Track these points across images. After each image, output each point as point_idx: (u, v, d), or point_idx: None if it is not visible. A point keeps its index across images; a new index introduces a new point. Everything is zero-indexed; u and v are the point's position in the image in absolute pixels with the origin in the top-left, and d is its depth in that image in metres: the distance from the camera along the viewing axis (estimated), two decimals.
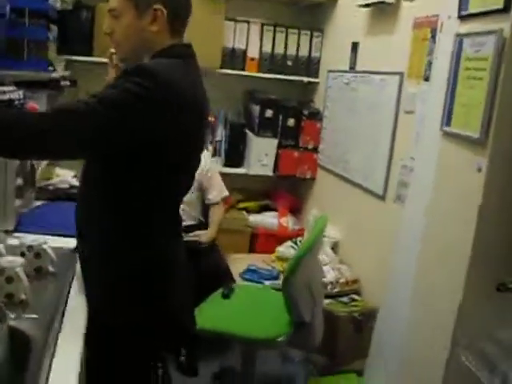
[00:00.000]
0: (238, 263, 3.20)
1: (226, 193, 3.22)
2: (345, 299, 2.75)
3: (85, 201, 1.51)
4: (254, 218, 3.62)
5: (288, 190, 3.80)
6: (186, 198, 1.66)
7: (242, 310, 2.40)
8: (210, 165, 3.16)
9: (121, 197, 1.43)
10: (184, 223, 2.95)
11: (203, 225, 3.17)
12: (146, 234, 1.46)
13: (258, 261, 3.28)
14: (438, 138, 2.11)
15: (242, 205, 3.68)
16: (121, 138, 1.33)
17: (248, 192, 3.74)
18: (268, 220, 3.63)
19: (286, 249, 3.24)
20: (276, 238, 3.48)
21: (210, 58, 3.31)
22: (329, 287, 2.75)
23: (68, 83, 2.88)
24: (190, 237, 2.89)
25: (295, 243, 3.25)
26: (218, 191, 3.18)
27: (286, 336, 2.22)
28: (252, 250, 3.54)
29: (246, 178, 3.55)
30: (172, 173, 1.45)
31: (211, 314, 2.33)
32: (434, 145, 2.15)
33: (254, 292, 2.59)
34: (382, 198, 2.72)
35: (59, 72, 2.65)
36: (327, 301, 2.70)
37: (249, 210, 3.68)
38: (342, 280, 2.81)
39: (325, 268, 2.87)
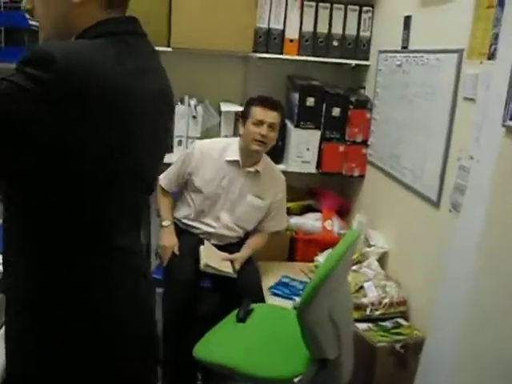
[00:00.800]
0: (273, 273, 2.83)
1: (284, 226, 2.91)
2: (388, 324, 2.30)
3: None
4: (295, 221, 3.21)
5: (334, 189, 3.36)
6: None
7: (256, 339, 2.02)
8: (283, 191, 2.84)
9: (29, 225, 1.09)
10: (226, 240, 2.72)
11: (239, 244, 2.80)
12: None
13: (295, 270, 2.88)
14: (500, 134, 1.62)
15: None
16: (4, 152, 0.98)
17: (289, 191, 3.32)
18: (310, 223, 3.21)
19: (325, 255, 2.81)
20: (318, 243, 3.05)
21: (241, 41, 2.92)
22: (368, 309, 2.32)
23: None
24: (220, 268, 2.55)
25: None
26: (277, 222, 2.84)
27: (306, 375, 1.82)
28: (291, 257, 3.14)
29: (287, 176, 3.13)
30: (97, 193, 1.09)
31: (219, 344, 1.97)
32: (495, 142, 1.66)
33: (275, 315, 2.20)
34: (436, 205, 2.24)
35: None
36: (365, 325, 2.27)
37: (289, 212, 3.26)
38: (386, 300, 2.36)
39: (366, 285, 2.44)
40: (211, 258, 2.52)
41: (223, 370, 1.87)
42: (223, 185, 2.63)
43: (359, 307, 2.31)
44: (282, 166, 3.15)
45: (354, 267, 2.63)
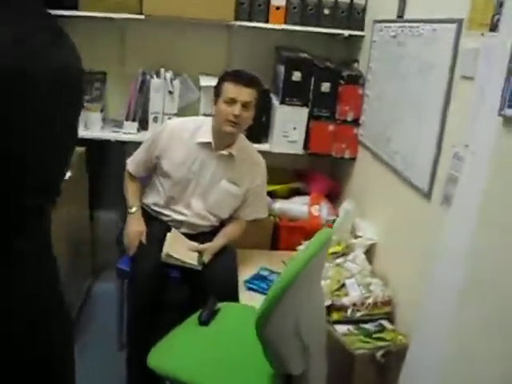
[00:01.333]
0: (252, 264, 2.60)
1: (263, 215, 2.64)
2: (370, 327, 2.08)
3: None
4: (279, 205, 2.97)
5: (323, 171, 3.11)
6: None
7: (218, 346, 1.80)
8: (262, 177, 2.57)
9: None
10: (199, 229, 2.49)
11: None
12: None
13: (277, 260, 2.64)
14: (496, 125, 1.36)
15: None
16: None
17: (275, 172, 3.08)
18: (296, 208, 2.97)
19: None
20: (304, 230, 2.81)
21: (221, 8, 2.65)
22: (350, 310, 2.09)
23: None
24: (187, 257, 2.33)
25: None
26: (253, 210, 2.58)
27: None
28: (274, 245, 2.91)
29: (272, 156, 2.89)
30: None
31: (175, 352, 1.76)
32: (490, 133, 1.40)
33: (244, 317, 1.96)
34: (428, 196, 1.99)
35: None
36: (344, 328, 2.05)
37: (275, 195, 3.03)
38: (369, 300, 2.13)
39: (349, 282, 2.21)
40: (176, 247, 2.29)
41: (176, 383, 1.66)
42: (194, 169, 2.40)
43: (339, 308, 2.09)
44: (266, 146, 2.90)
45: (338, 260, 2.41)
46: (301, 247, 2.58)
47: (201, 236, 2.45)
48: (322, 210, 2.94)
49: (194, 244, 2.37)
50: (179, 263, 2.26)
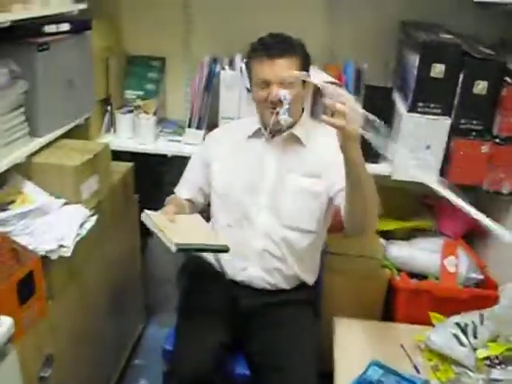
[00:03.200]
0: (353, 345, 1.75)
1: None
2: None
3: None
4: (398, 251, 2.10)
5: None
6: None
7: None
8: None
9: None
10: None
11: None
12: None
13: (393, 343, 1.77)
14: None
15: (379, 225, 2.16)
16: None
17: (391, 205, 2.18)
18: (423, 257, 2.08)
19: (445, 331, 1.67)
20: (433, 296, 1.94)
21: None
22: None
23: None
24: None
25: (465, 326, 1.67)
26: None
27: None
28: (388, 312, 2.04)
29: (391, 183, 2.01)
30: None
31: None
32: None
33: None
34: None
35: None
36: None
37: (391, 236, 2.15)
38: None
39: None
40: (173, 229, 1.49)
41: None
42: (252, 169, 1.68)
43: None
44: (384, 168, 2.01)
45: (496, 374, 1.52)
46: (429, 334, 1.69)
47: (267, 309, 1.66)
48: (461, 263, 2.03)
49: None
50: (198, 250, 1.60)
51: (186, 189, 1.77)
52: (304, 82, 1.56)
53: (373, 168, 2.00)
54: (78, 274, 1.66)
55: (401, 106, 1.96)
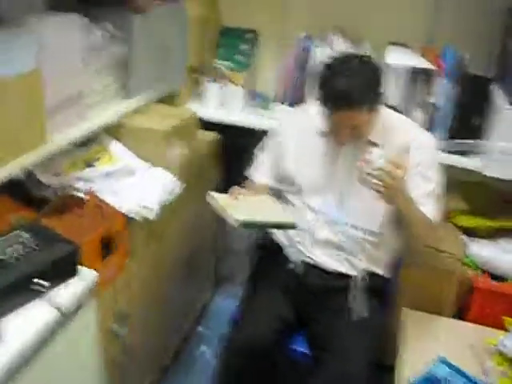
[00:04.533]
0: (422, 340, 1.70)
1: (434, 218, 1.60)
2: None
3: None
4: (479, 250, 2.00)
5: None
6: None
7: None
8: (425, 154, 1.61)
9: None
10: None
11: None
12: None
13: (462, 341, 1.70)
14: None
15: (460, 220, 2.07)
16: None
17: (477, 200, 2.09)
18: (507, 259, 1.97)
19: None
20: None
21: None
22: None
23: None
24: None
25: None
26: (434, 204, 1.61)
27: None
28: (461, 310, 1.96)
29: (478, 178, 1.91)
30: None
31: None
32: None
33: None
34: None
35: None
36: None
37: (472, 233, 2.06)
38: None
39: None
40: (238, 207, 1.51)
41: None
42: (322, 167, 1.63)
43: None
44: (474, 162, 1.91)
45: None
46: (502, 339, 1.62)
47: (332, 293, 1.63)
48: None
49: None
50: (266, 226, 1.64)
51: (261, 173, 1.76)
52: (373, 105, 1.48)
53: (461, 162, 1.92)
54: (156, 237, 1.70)
55: (501, 98, 1.84)
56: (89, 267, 1.25)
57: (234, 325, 1.58)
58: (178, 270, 1.99)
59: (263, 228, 1.71)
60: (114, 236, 1.40)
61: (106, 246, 1.38)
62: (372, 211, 1.57)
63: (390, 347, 1.70)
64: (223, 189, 2.26)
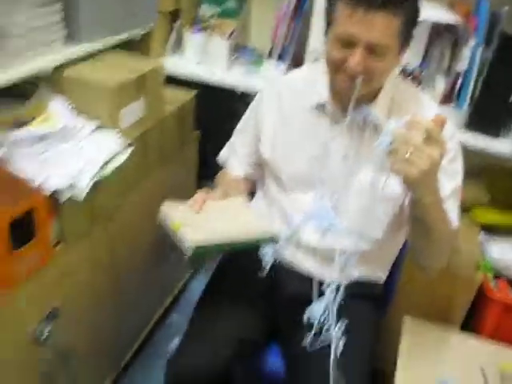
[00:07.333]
0: (422, 352, 1.38)
1: (455, 223, 1.19)
2: None
3: None
4: (499, 253, 1.67)
5: None
6: None
7: None
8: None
9: None
10: None
11: None
12: None
13: (471, 360, 1.37)
14: None
15: (480, 215, 1.73)
16: None
17: (502, 191, 1.74)
18: None
19: None
20: None
21: None
22: None
23: None
24: None
25: None
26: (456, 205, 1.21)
27: None
28: (471, 320, 1.64)
29: (508, 163, 1.57)
30: None
31: None
32: None
33: None
34: None
35: None
36: None
37: (493, 231, 1.72)
38: None
39: None
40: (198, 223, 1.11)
41: None
42: (313, 156, 1.23)
43: None
44: (503, 144, 1.56)
45: None
46: None
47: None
48: None
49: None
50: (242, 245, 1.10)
51: (237, 161, 1.40)
52: (401, 47, 1.06)
53: (490, 144, 1.56)
54: (104, 217, 1.38)
55: None
56: None
57: (178, 346, 1.23)
58: (141, 254, 1.68)
59: (231, 250, 1.17)
60: (31, 219, 1.08)
61: (21, 232, 1.06)
62: (373, 213, 1.19)
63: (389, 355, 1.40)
64: (203, 162, 1.93)
